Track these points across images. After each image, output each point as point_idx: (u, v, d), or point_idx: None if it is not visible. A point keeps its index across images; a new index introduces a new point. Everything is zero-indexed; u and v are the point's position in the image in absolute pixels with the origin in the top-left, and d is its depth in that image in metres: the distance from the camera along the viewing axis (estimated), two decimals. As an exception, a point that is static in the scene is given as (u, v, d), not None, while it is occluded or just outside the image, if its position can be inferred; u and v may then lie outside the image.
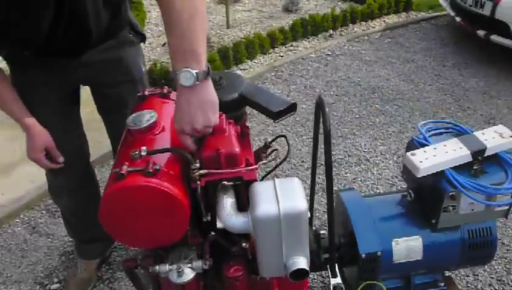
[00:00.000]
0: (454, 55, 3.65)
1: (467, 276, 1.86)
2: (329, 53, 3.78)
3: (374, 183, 2.41)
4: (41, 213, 2.31)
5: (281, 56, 3.77)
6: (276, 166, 1.12)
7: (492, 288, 1.82)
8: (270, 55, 3.78)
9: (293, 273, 1.00)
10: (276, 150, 1.12)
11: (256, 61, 3.68)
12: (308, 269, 1.00)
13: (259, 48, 3.71)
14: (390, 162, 2.56)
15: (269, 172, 1.12)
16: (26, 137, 1.39)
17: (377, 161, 2.57)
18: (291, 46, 3.92)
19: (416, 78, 3.39)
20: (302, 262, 1.00)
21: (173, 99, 1.28)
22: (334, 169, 2.55)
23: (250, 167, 1.00)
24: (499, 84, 3.22)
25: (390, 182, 2.41)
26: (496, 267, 1.90)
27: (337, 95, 3.22)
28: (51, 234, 2.18)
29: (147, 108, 1.15)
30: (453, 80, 3.32)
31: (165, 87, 1.30)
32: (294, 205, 0.94)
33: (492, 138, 1.23)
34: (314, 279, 1.89)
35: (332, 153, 2.76)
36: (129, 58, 1.50)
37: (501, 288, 1.82)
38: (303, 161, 2.59)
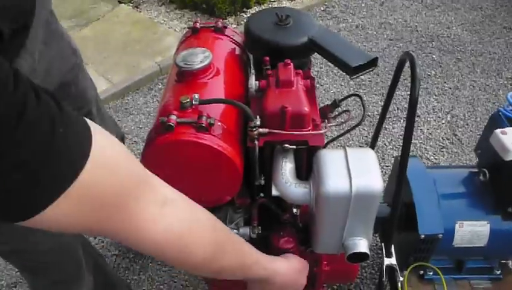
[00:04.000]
0: (529, 5, 3.25)
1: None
2: (387, -9, 3.42)
3: (422, 143, 2.23)
4: None
5: (334, -11, 3.43)
6: (349, 130, 0.96)
7: (540, 273, 1.69)
8: (321, -14, 3.45)
9: (352, 255, 0.88)
10: (348, 111, 0.95)
11: (306, -8, 3.38)
12: (368, 253, 0.88)
13: (310, -23, 3.38)
14: (443, 121, 2.35)
15: (339, 136, 0.97)
16: None
17: (429, 119, 2.37)
18: (346, -22, 3.56)
19: (482, 29, 3.04)
20: (363, 245, 0.88)
21: (227, 36, 1.11)
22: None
23: (319, 131, 0.85)
24: None
25: (441, 144, 2.22)
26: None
27: (390, 40, 2.94)
28: None
29: (199, 45, 0.98)
30: (524, 35, 2.97)
31: (220, 20, 1.12)
32: (369, 183, 0.80)
33: None
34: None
35: (380, 103, 2.57)
36: None
37: (549, 274, 1.69)
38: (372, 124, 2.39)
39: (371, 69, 0.93)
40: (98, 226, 0.53)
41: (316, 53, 1.00)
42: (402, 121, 2.35)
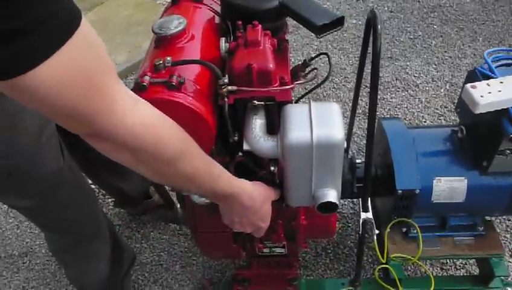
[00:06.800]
0: (536, -29, 3.17)
1: (508, 220, 1.76)
2: (389, -38, 3.38)
3: (420, 112, 2.24)
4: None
5: (335, -37, 3.41)
6: (315, 87, 1.00)
7: (533, 235, 1.71)
8: (322, -39, 3.42)
9: (321, 205, 0.93)
10: (316, 69, 0.99)
11: (306, -33, 3.36)
12: (338, 202, 0.93)
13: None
14: (442, 90, 2.35)
15: (306, 93, 1.01)
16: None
17: (427, 88, 2.37)
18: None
19: (486, -3, 3.00)
20: (331, 195, 0.92)
21: (206, 4, 1.15)
22: (379, 92, 2.38)
23: (285, 87, 0.89)
24: None
25: (439, 112, 2.23)
26: (541, 213, 1.78)
27: (391, 12, 2.92)
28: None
29: (177, 13, 1.03)
30: (530, 2, 2.92)
31: (199, -10, 1.16)
32: (330, 133, 0.84)
33: None
34: (344, 204, 1.84)
35: (379, 75, 2.57)
36: None
37: (542, 235, 1.71)
38: (346, 81, 2.42)
39: (337, 28, 0.96)
40: (80, 102, 0.58)
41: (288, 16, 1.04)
42: (400, 90, 2.36)
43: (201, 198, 1.00)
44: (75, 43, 0.55)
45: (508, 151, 1.06)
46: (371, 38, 1.08)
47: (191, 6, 1.13)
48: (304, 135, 0.84)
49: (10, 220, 1.97)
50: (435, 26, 2.78)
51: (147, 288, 1.70)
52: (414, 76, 2.45)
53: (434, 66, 2.50)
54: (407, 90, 2.37)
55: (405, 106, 2.28)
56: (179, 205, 1.75)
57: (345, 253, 1.71)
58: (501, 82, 1.04)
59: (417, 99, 2.31)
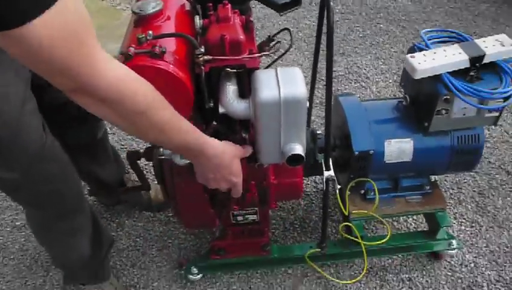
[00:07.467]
0: (468, -23, 3.52)
1: (452, 189, 1.97)
2: (338, -31, 3.63)
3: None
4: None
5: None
6: (279, 57, 1.14)
7: (473, 200, 1.93)
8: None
9: (290, 158, 1.06)
10: (279, 42, 1.14)
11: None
12: (303, 155, 1.07)
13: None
14: (390, 81, 2.58)
15: (272, 62, 1.15)
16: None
17: (377, 79, 2.59)
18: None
19: (425, 0, 3.30)
20: (298, 148, 1.06)
21: (178, -8, 1.27)
22: (333, 84, 2.57)
23: (254, 55, 1.03)
24: (510, 10, 3.15)
25: (388, 100, 2.44)
26: (479, 182, 2.00)
27: (342, 13, 3.15)
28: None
29: (153, -1, 1.14)
30: (463, 4, 3.23)
31: (171, -21, 1.28)
32: (295, 91, 0.98)
33: (493, 46, 1.25)
34: (308, 184, 1.99)
35: (333, 69, 2.78)
36: None
37: (481, 200, 1.93)
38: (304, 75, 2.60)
39: (296, 8, 1.11)
40: (67, 57, 0.68)
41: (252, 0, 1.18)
42: (353, 82, 2.57)
43: (182, 160, 1.11)
44: (65, 4, 0.65)
45: (444, 111, 1.25)
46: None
47: (164, -7, 1.25)
48: (272, 93, 0.97)
49: (-19, 220, 1.98)
50: (381, 26, 3.03)
51: (125, 272, 1.76)
52: (365, 69, 2.66)
53: (382, 60, 2.73)
54: (359, 82, 2.57)
55: (358, 95, 2.48)
56: (153, 189, 1.83)
57: (310, 226, 1.85)
58: (434, 52, 1.23)
59: (368, 90, 2.52)
